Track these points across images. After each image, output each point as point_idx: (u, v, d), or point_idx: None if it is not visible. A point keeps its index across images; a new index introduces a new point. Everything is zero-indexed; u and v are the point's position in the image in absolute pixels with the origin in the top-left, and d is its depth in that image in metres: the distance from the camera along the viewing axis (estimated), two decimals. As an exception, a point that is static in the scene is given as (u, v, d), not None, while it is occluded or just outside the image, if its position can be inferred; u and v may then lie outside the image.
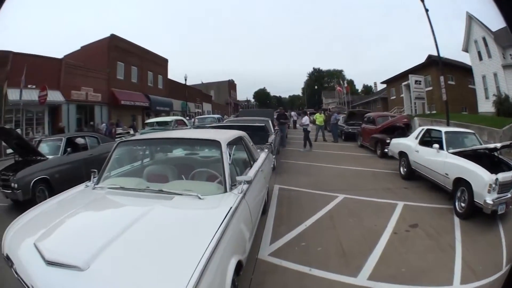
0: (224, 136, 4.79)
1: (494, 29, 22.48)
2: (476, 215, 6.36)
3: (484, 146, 7.89)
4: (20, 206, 7.76)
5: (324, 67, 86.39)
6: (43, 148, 9.48)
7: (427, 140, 9.34)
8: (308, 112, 21.36)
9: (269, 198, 7.46)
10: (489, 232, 6.03)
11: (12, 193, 7.91)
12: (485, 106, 24.10)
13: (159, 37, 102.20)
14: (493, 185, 6.03)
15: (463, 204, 6.69)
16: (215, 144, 4.56)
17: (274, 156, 9.70)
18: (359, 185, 9.33)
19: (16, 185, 7.77)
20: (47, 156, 8.91)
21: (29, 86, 20.80)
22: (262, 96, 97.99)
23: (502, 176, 6.17)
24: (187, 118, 27.84)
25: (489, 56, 24.06)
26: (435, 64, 25.35)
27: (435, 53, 20.83)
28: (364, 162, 13.18)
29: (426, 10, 19.20)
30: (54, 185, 8.35)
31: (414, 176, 9.51)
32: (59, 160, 8.99)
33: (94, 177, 4.58)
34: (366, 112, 22.73)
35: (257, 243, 5.31)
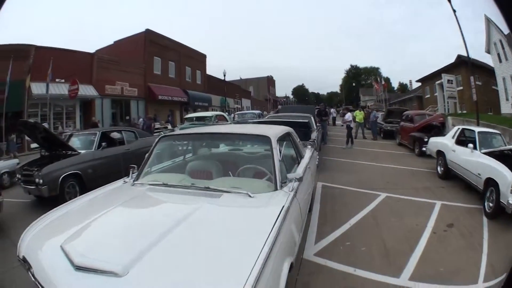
0: (274, 131, 4.67)
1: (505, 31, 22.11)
2: (503, 215, 6.43)
3: (510, 147, 8.25)
4: (44, 202, 7.91)
5: (360, 64, 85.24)
6: (75, 142, 9.41)
7: (463, 139, 9.54)
8: (349, 109, 21.83)
9: (313, 196, 7.28)
10: (510, 232, 6.15)
11: (35, 189, 7.75)
12: (506, 107, 24.32)
13: (197, 33, 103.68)
14: None
15: (491, 204, 6.79)
16: (265, 139, 4.40)
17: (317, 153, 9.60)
18: (400, 184, 9.51)
19: (41, 181, 7.57)
20: (79, 151, 8.76)
21: (57, 80, 20.96)
22: (300, 92, 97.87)
23: None
24: (226, 113, 27.32)
25: (506, 58, 24.18)
26: (464, 64, 25.73)
27: (462, 53, 21.20)
28: (403, 160, 13.38)
29: (454, 11, 18.98)
30: (86, 180, 8.27)
31: (449, 175, 9.65)
32: (92, 154, 8.85)
33: (133, 173, 4.47)
34: (404, 110, 22.75)
35: (303, 242, 5.24)
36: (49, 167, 7.77)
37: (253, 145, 5.78)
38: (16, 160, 11.77)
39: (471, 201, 7.67)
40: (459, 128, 9.99)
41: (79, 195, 7.92)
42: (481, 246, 5.38)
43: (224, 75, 40.56)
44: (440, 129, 14.80)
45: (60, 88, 21.44)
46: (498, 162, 6.91)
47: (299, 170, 4.80)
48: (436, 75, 33.27)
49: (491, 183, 6.85)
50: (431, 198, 7.96)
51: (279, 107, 37.99)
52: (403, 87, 75.04)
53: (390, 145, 17.99)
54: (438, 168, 10.33)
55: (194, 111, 30.57)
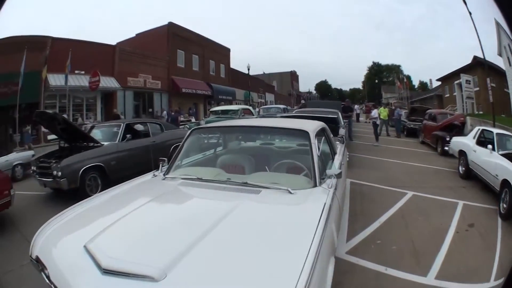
0: (311, 126, 4.59)
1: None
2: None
3: None
4: (60, 195, 7.91)
5: (381, 61, 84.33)
6: (97, 134, 9.34)
7: (482, 140, 9.65)
8: (375, 106, 21.79)
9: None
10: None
11: (53, 182, 7.67)
12: (517, 110, 24.67)
13: (220, 27, 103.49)
14: None
15: (505, 206, 6.92)
16: (303, 134, 4.30)
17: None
18: (425, 182, 9.71)
19: (59, 173, 7.47)
20: (102, 143, 8.67)
21: (76, 71, 20.89)
22: (323, 88, 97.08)
23: None
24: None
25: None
26: (480, 66, 25.76)
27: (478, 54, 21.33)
28: (426, 159, 13.58)
29: (470, 13, 19.68)
30: (109, 173, 8.18)
31: (470, 175, 9.78)
32: (116, 146, 8.73)
33: (163, 166, 4.34)
34: (427, 108, 22.75)
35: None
36: (69, 159, 7.66)
37: (289, 140, 5.56)
38: (31, 152, 11.87)
39: (489, 202, 7.83)
40: (479, 129, 10.10)
41: (101, 188, 7.95)
42: (495, 247, 5.54)
43: (248, 69, 40.56)
44: (460, 129, 15.11)
45: (80, 80, 21.43)
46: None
47: (335, 166, 4.74)
48: (455, 74, 33.19)
49: (506, 184, 7.03)
50: (453, 197, 8.16)
51: (303, 101, 38.66)
52: (423, 85, 75.07)
53: (413, 143, 18.14)
54: (460, 168, 10.52)
55: (218, 104, 30.71)
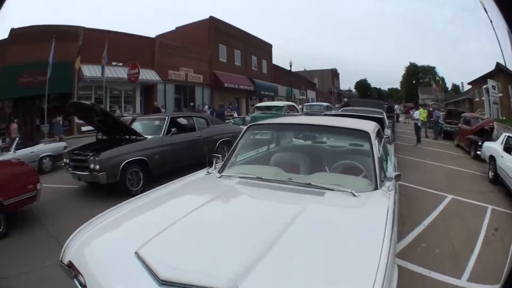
0: (370, 126, 4.50)
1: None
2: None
3: None
4: (95, 190, 7.75)
5: (416, 62, 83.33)
6: (137, 127, 9.20)
7: (508, 146, 9.76)
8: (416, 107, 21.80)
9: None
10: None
11: (89, 175, 7.45)
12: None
13: (262, 22, 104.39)
14: None
15: None
16: (363, 135, 4.19)
17: None
18: (462, 186, 9.86)
19: (97, 167, 7.26)
20: (145, 136, 8.51)
21: (113, 63, 20.96)
22: (363, 86, 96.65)
23: None
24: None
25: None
26: (502, 72, 26.04)
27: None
28: (461, 162, 13.75)
29: (491, 21, 18.84)
30: (152, 167, 8.05)
31: (498, 181, 9.83)
32: (160, 140, 8.57)
33: (216, 163, 4.18)
34: (462, 111, 23.15)
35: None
36: (108, 152, 7.51)
37: (348, 140, 5.41)
38: (62, 144, 11.84)
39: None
40: (506, 135, 10.23)
41: (142, 183, 7.82)
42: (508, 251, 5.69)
43: (290, 66, 40.63)
44: (490, 134, 15.12)
45: (118, 72, 21.56)
46: None
47: (391, 168, 4.77)
48: (483, 79, 33.11)
49: None
50: (484, 202, 8.29)
51: (345, 99, 38.67)
52: (455, 88, 74.70)
53: (449, 146, 18.24)
54: (489, 173, 10.56)
55: (260, 100, 31.08)
